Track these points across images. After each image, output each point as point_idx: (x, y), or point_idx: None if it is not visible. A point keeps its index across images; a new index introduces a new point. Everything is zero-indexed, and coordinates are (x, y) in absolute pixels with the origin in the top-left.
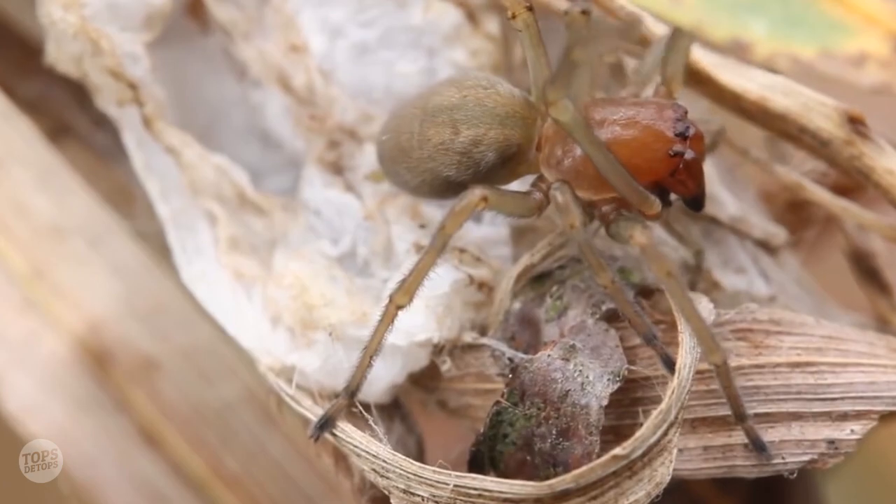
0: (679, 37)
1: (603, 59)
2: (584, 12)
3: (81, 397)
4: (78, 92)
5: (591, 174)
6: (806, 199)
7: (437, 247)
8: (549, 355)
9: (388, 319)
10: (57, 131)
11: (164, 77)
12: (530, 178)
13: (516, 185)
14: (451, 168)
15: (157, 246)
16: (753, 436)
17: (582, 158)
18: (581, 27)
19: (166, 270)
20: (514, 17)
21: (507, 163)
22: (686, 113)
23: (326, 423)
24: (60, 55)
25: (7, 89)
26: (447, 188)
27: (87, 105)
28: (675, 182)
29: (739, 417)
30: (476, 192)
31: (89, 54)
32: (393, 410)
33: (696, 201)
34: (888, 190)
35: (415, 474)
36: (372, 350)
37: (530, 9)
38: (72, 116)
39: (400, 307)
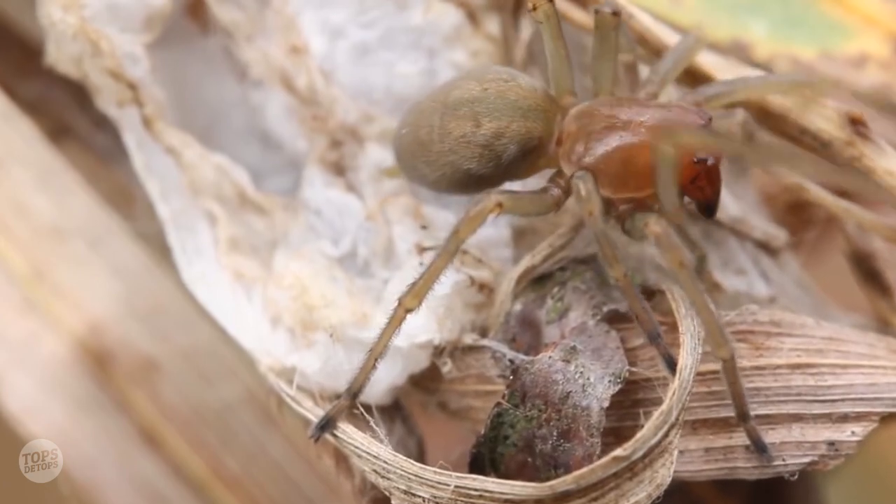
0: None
1: (619, 58)
2: (615, 13)
3: (82, 398)
4: (78, 93)
5: (612, 172)
6: (806, 200)
7: (450, 251)
8: (549, 357)
9: (396, 322)
10: (57, 132)
11: (164, 78)
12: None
13: (518, 185)
14: (472, 161)
15: (158, 246)
16: (755, 436)
17: (604, 156)
18: (610, 28)
19: (166, 271)
20: (534, 8)
21: (528, 156)
22: (711, 119)
23: (327, 424)
24: (60, 56)
25: (7, 90)
26: (467, 182)
27: (87, 106)
28: (693, 188)
29: (742, 417)
30: (491, 198)
31: (89, 55)
32: (394, 412)
33: (710, 207)
34: (888, 191)
35: (416, 475)
36: (378, 352)
37: (551, 0)
38: (72, 117)
39: (409, 310)
